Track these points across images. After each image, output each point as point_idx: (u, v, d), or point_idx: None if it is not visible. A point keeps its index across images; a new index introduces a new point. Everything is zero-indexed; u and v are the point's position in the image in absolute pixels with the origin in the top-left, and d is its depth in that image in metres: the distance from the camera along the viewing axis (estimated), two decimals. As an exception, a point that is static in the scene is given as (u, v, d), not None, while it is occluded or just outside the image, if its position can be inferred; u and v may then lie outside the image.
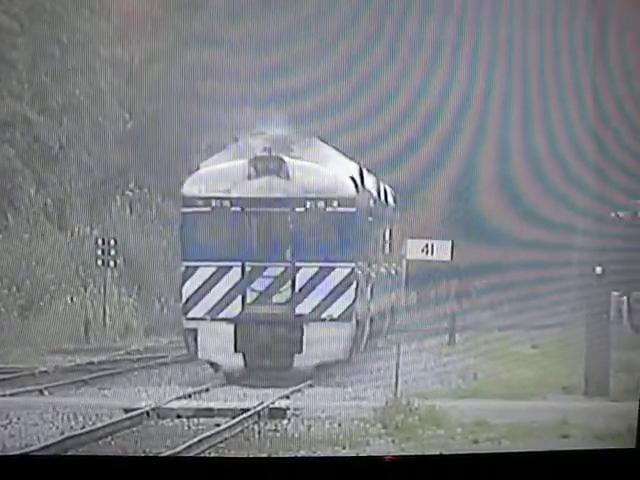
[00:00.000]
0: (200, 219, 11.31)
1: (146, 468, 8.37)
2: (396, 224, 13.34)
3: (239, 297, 11.40)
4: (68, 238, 16.78)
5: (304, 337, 11.38)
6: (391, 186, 13.85)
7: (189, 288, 11.45)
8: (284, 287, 11.44)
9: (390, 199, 13.79)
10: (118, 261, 15.87)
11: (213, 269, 11.31)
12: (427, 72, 14.56)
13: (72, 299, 15.79)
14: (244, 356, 11.52)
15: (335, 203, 11.32)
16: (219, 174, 11.47)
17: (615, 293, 13.11)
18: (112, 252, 15.70)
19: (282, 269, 11.39)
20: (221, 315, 11.43)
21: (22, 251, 16.09)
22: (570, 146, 15.27)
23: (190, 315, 11.54)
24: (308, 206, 11.33)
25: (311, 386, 12.06)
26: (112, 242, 15.76)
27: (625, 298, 14.52)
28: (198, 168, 11.73)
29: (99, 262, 15.77)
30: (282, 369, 11.46)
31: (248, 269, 11.33)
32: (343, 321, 11.48)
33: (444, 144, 14.95)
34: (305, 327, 11.40)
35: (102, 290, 15.87)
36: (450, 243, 11.19)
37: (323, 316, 11.45)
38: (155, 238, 17.32)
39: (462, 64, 15.07)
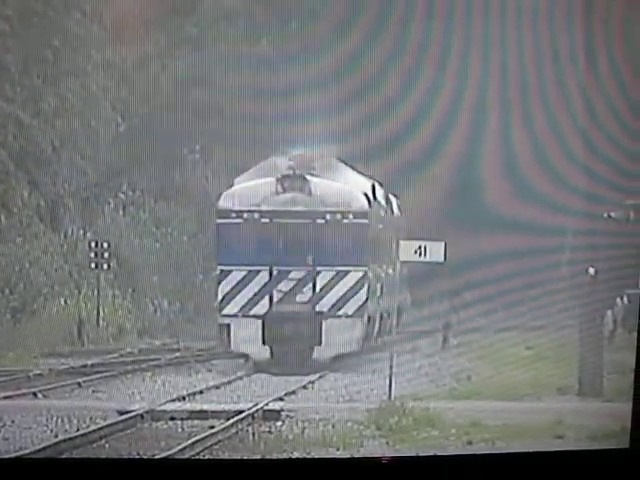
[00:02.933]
0: (233, 229, 13.11)
1: (140, 470, 8.34)
2: (402, 230, 14.25)
3: (267, 297, 13.15)
4: (61, 240, 16.73)
5: (323, 331, 13.04)
6: (396, 195, 15.35)
7: (223, 289, 13.13)
8: (306, 288, 13.14)
9: (395, 208, 15.35)
10: (112, 263, 15.88)
11: (244, 272, 13.08)
12: (436, 93, 15.24)
13: (66, 301, 15.73)
14: (271, 348, 13.15)
15: (351, 216, 13.16)
16: (250, 190, 13.30)
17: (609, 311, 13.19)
18: (105, 254, 15.72)
19: (304, 272, 13.13)
20: (251, 312, 13.14)
21: (15, 253, 16.03)
22: (560, 148, 15.40)
23: (224, 312, 13.21)
24: (327, 218, 13.17)
25: (305, 388, 12.27)
26: (105, 245, 15.78)
27: (619, 300, 14.57)
28: (232, 185, 13.47)
29: (92, 264, 15.77)
30: (304, 359, 12.99)
31: (275, 272, 13.10)
32: (357, 317, 13.30)
33: (436, 147, 15.59)
34: (324, 323, 13.06)
35: (96, 292, 15.83)
36: (443, 244, 11.26)
37: (339, 313, 13.17)
38: (148, 240, 17.32)
39: (456, 73, 15.54)
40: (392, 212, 14.83)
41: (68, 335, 15.24)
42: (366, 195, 13.63)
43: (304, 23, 16.65)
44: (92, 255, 15.72)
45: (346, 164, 13.98)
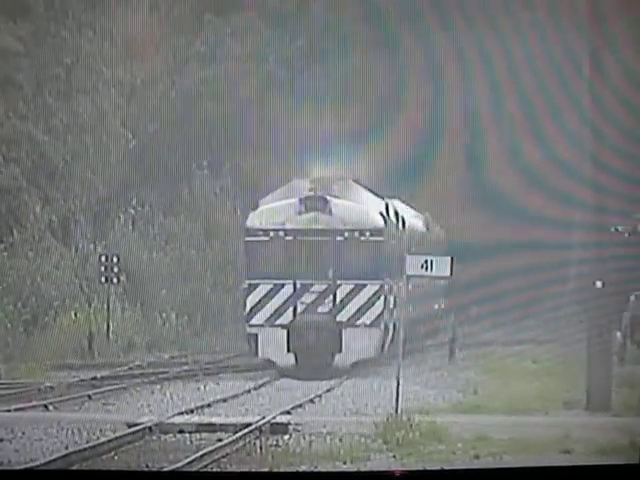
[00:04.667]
0: (260, 246, 14.38)
1: (149, 483, 8.35)
2: (414, 246, 15.04)
3: (291, 308, 14.42)
4: (72, 255, 16.92)
5: (343, 340, 14.53)
6: (419, 211, 16.81)
7: (251, 301, 14.37)
8: (327, 300, 14.48)
9: (421, 225, 16.91)
10: (121, 277, 16.06)
11: (270, 286, 14.36)
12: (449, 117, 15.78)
13: (76, 315, 15.88)
14: (295, 355, 14.46)
15: (368, 233, 14.65)
16: (275, 210, 14.65)
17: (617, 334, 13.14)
18: (115, 269, 15.92)
19: (325, 286, 14.48)
20: (277, 322, 14.40)
21: (27, 267, 16.23)
22: (567, 163, 15.45)
23: (252, 322, 14.46)
24: (346, 236, 14.53)
25: (312, 402, 12.38)
26: (115, 259, 15.96)
27: (626, 313, 14.50)
28: (258, 206, 14.90)
29: (102, 278, 15.94)
30: (325, 366, 14.44)
31: (298, 286, 14.39)
32: (374, 327, 14.58)
33: (449, 165, 16.08)
34: (344, 332, 14.57)
35: (106, 306, 15.97)
36: (449, 259, 11.31)
37: (358, 323, 14.61)
38: (157, 254, 17.48)
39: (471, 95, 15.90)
40: (403, 228, 15.70)
41: (79, 348, 15.37)
42: (381, 214, 14.99)
43: (311, 41, 16.84)
44: (102, 269, 15.90)
45: (362, 185, 15.27)
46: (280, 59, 18.05)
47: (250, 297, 14.25)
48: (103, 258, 16.02)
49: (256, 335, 14.24)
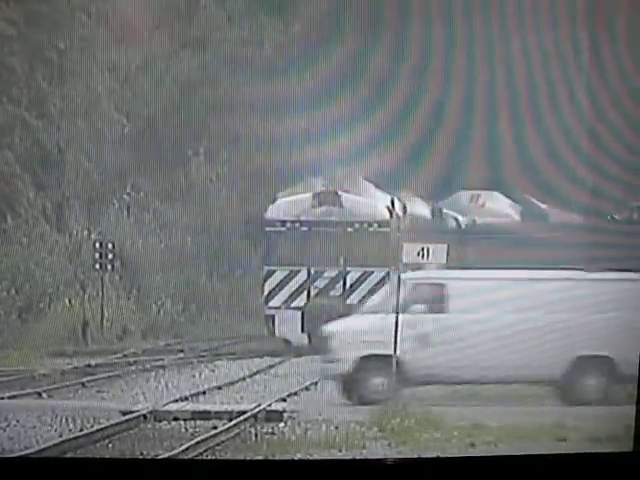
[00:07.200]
0: (278, 236, 15.48)
1: (143, 470, 8.36)
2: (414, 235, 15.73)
3: (305, 292, 15.52)
4: (66, 241, 16.83)
5: None
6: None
7: (269, 285, 15.40)
8: (338, 285, 15.57)
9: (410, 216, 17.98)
10: (116, 264, 16.02)
11: (287, 272, 15.42)
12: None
13: (70, 302, 15.82)
14: (309, 335, 15.19)
15: (375, 225, 15.59)
16: (292, 204, 15.74)
17: None
18: (110, 255, 15.89)
19: (337, 272, 15.53)
20: (292, 305, 15.48)
21: (21, 254, 16.14)
22: (564, 153, 15.39)
23: (270, 305, 15.54)
24: (356, 227, 15.62)
25: (307, 389, 12.44)
26: (110, 245, 15.92)
27: None
28: (275, 199, 15.79)
29: (97, 265, 15.89)
30: None
31: (312, 272, 15.46)
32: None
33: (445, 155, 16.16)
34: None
35: (100, 293, 15.92)
36: (446, 246, 11.30)
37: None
38: (152, 241, 17.41)
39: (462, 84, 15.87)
40: (407, 221, 16.89)
41: (72, 335, 15.34)
42: (388, 208, 16.02)
43: (311, 27, 16.65)
44: (97, 256, 15.86)
45: (370, 182, 16.29)
46: (277, 45, 17.87)
47: (268, 282, 15.27)
48: (97, 245, 15.97)
49: (273, 317, 15.25)
